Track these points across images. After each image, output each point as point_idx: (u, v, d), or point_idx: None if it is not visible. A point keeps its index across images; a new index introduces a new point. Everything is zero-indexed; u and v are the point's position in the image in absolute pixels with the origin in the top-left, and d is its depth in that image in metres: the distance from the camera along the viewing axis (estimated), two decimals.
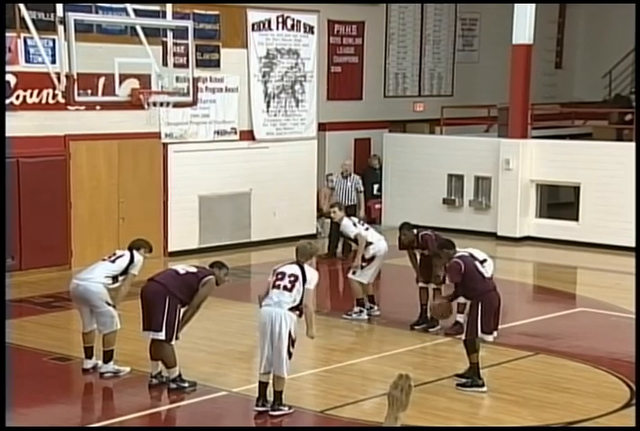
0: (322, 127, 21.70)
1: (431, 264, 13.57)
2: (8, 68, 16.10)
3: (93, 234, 17.63)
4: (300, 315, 10.16)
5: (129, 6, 15.14)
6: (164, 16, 15.17)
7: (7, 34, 15.88)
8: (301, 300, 10.10)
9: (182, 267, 11.21)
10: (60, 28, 13.06)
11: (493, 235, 21.08)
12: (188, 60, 14.93)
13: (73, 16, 12.96)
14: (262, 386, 10.20)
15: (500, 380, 11.47)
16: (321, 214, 20.53)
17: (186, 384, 10.87)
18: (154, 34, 15.39)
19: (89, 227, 17.62)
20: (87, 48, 14.45)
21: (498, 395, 10.94)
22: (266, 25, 20.00)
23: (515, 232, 21.08)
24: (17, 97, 16.41)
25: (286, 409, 10.19)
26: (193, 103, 15.72)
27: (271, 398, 10.18)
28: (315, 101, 21.15)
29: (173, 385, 10.86)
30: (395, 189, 22.53)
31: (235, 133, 19.78)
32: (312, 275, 10.24)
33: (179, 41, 14.96)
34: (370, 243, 14.14)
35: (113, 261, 11.45)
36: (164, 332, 10.63)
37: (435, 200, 22.03)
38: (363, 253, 14.13)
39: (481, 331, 10.99)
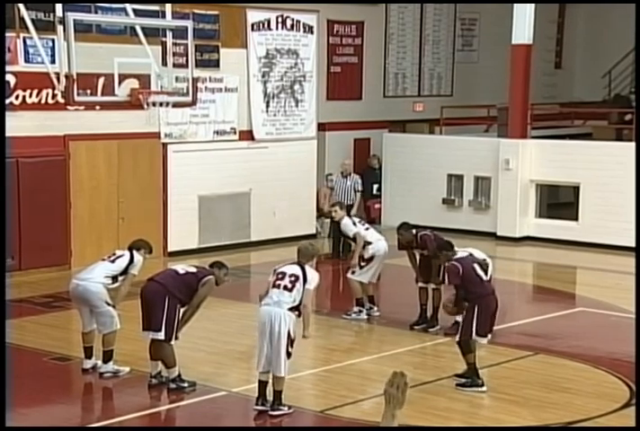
0: (321, 127, 21.70)
1: (431, 264, 13.57)
2: (8, 68, 16.10)
3: (93, 234, 17.63)
4: (299, 315, 10.17)
5: (129, 6, 15.14)
6: (164, 16, 15.17)
7: (7, 34, 15.87)
8: (301, 300, 10.10)
9: (181, 267, 11.20)
10: (60, 28, 13.07)
11: (492, 235, 21.08)
12: (187, 60, 14.93)
13: (72, 16, 12.97)
14: (262, 385, 10.20)
15: (499, 380, 11.47)
16: (321, 214, 20.53)
17: (186, 384, 10.87)
18: (153, 34, 15.40)
19: (89, 227, 17.62)
20: (87, 48, 14.46)
21: (498, 395, 10.93)
22: (265, 25, 20.00)
23: (515, 232, 21.08)
24: (17, 97, 16.41)
25: (285, 408, 10.19)
26: (193, 103, 15.73)
27: (270, 397, 10.19)
28: (314, 100, 21.15)
29: (172, 385, 10.86)
30: (395, 189, 22.53)
31: (235, 133, 19.78)
32: (312, 275, 10.24)
33: (178, 41, 14.96)
34: (369, 243, 14.13)
35: (113, 261, 11.45)
36: (163, 332, 10.63)
37: (435, 200, 22.03)
38: (362, 253, 14.12)
39: (475, 334, 10.99)
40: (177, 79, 15.07)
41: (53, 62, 14.80)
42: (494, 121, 23.03)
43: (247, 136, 20.03)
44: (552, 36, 27.44)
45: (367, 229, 14.36)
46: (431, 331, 13.50)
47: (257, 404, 10.22)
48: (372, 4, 22.96)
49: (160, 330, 10.63)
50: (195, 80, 15.55)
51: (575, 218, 20.68)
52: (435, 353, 12.68)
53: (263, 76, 20.15)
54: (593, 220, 20.25)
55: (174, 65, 14.98)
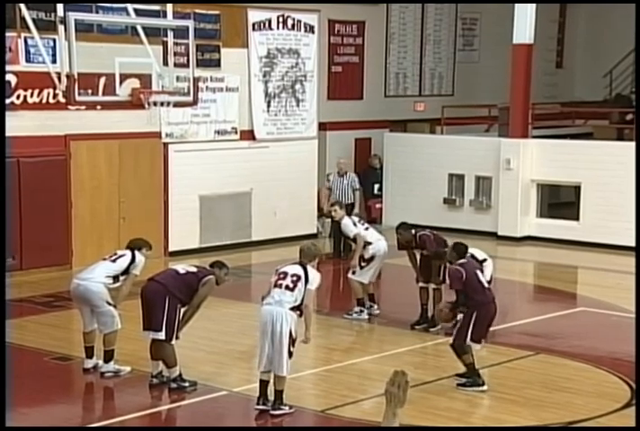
0: (322, 126, 21.70)
1: (431, 264, 13.58)
2: (9, 68, 16.11)
3: (94, 234, 17.63)
4: (301, 315, 10.18)
5: (130, 6, 15.13)
6: (165, 16, 15.17)
7: (8, 34, 15.89)
8: (302, 300, 10.11)
9: (182, 267, 11.20)
10: (61, 27, 13.05)
11: (493, 235, 21.08)
12: (188, 60, 14.91)
13: (73, 16, 12.95)
14: (263, 384, 10.21)
15: (500, 379, 11.47)
16: (321, 213, 20.53)
17: (187, 384, 10.87)
18: (154, 34, 15.39)
19: (90, 227, 17.62)
20: (88, 47, 14.45)
21: (498, 395, 10.93)
22: (266, 25, 20.00)
23: (516, 231, 21.08)
24: (18, 97, 16.42)
25: (286, 408, 10.19)
26: (194, 103, 15.72)
27: (271, 397, 10.19)
28: (315, 100, 21.15)
29: (173, 385, 10.86)
30: (396, 189, 22.53)
31: (236, 133, 19.78)
32: (314, 275, 10.25)
33: (179, 41, 14.95)
34: (369, 243, 14.13)
35: (114, 261, 11.44)
36: (163, 332, 10.63)
37: (436, 200, 22.02)
38: (362, 253, 14.13)
39: (470, 339, 10.99)
40: (178, 79, 15.06)
41: (54, 62, 14.80)
42: (495, 121, 23.03)
43: (248, 135, 20.03)
44: (553, 36, 27.44)
45: (366, 229, 14.36)
46: (431, 331, 13.50)
47: (258, 404, 10.22)
48: (373, 4, 22.95)
49: (160, 330, 10.63)
50: (196, 80, 15.54)
51: (576, 218, 20.68)
52: (436, 353, 12.68)
53: (264, 76, 20.15)
54: (594, 220, 20.25)
55: (175, 65, 14.97)
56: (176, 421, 10.73)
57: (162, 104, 14.40)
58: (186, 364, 11.12)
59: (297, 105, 20.81)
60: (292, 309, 10.06)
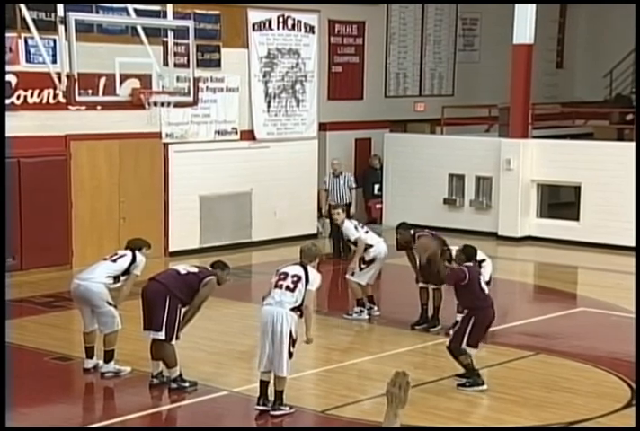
0: (322, 126, 21.71)
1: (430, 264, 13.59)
2: (9, 68, 16.12)
3: (94, 234, 17.64)
4: (301, 316, 10.18)
5: (130, 6, 15.12)
6: (165, 16, 15.16)
7: (8, 34, 15.90)
8: (303, 301, 10.11)
9: (183, 267, 11.20)
10: (61, 28, 13.04)
11: (493, 235, 21.08)
12: (189, 60, 14.91)
13: (73, 16, 12.95)
14: (263, 385, 10.21)
15: (500, 380, 11.47)
16: (321, 214, 20.52)
17: (187, 384, 10.88)
18: (154, 34, 15.38)
19: (90, 227, 17.63)
20: (88, 47, 14.46)
21: (498, 395, 10.94)
22: (267, 25, 20.00)
23: (516, 231, 21.08)
24: (18, 97, 16.42)
25: (287, 408, 10.19)
26: (194, 103, 15.71)
27: (271, 397, 10.19)
28: (315, 100, 21.15)
29: (173, 385, 10.86)
30: (396, 189, 22.53)
31: (236, 133, 19.79)
32: (314, 276, 10.25)
33: (180, 41, 14.94)
34: (371, 246, 14.17)
35: (115, 261, 11.44)
36: (164, 332, 10.64)
37: (436, 200, 22.02)
38: (363, 255, 14.16)
39: (466, 343, 11.00)
40: (178, 79, 15.06)
41: (54, 62, 14.79)
42: (495, 121, 23.03)
43: (248, 135, 20.04)
44: (553, 36, 27.45)
45: (366, 232, 14.40)
46: (432, 331, 13.50)
47: (258, 404, 10.22)
48: (373, 4, 22.95)
49: (160, 330, 10.64)
50: (196, 80, 15.53)
51: (576, 218, 20.68)
52: (436, 353, 12.67)
53: (264, 76, 20.15)
54: (594, 220, 20.25)
55: (176, 65, 14.97)
56: (176, 421, 10.73)
57: (162, 104, 14.39)
58: (186, 364, 11.13)
59: (298, 105, 20.81)
60: (292, 309, 10.07)
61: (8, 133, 15.85)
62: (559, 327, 14.06)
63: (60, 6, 13.13)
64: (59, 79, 13.43)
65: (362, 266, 14.16)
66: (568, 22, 27.88)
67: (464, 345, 10.99)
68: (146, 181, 18.38)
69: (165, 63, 15.11)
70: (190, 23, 14.93)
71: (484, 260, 12.92)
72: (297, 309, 10.11)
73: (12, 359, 11.14)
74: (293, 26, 20.47)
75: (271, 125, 20.39)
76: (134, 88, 14.68)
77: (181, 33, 14.75)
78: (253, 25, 19.80)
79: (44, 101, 16.71)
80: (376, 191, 22.81)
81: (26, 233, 16.72)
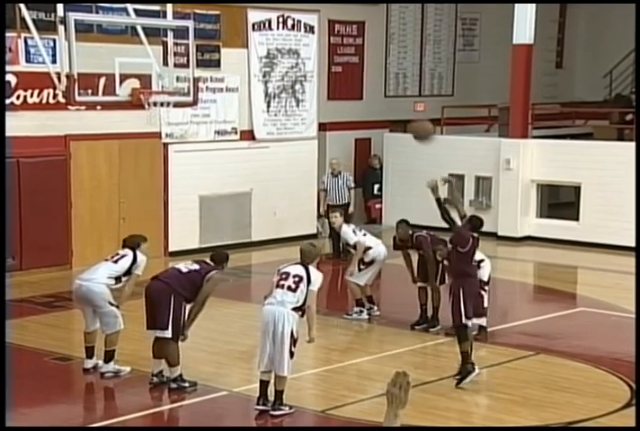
0: (322, 126, 21.70)
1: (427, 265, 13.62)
2: (9, 68, 16.11)
3: (94, 234, 17.63)
4: (302, 315, 10.17)
5: (130, 6, 15.13)
6: (165, 16, 15.16)
7: (8, 34, 15.89)
8: (304, 301, 10.11)
9: (183, 264, 11.16)
10: (61, 28, 13.05)
11: (493, 235, 21.05)
12: (188, 60, 14.92)
13: (73, 16, 12.95)
14: (263, 385, 10.21)
15: (500, 380, 11.48)
16: (320, 214, 20.51)
17: (187, 384, 10.88)
18: (154, 34, 15.39)
19: (90, 227, 17.63)
20: (88, 47, 14.44)
21: (498, 395, 10.94)
22: (266, 25, 20.00)
23: (516, 231, 21.08)
24: (18, 97, 16.42)
25: (287, 408, 10.19)
26: (194, 103, 15.72)
27: (271, 397, 10.19)
28: (315, 100, 21.15)
29: (173, 385, 10.87)
30: (396, 189, 22.53)
31: (236, 133, 19.79)
32: (316, 276, 10.24)
33: (179, 41, 14.95)
34: (370, 248, 14.19)
35: (116, 262, 11.44)
36: (170, 330, 10.65)
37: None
38: (363, 257, 14.18)
39: (465, 317, 11.06)
40: (178, 79, 15.07)
41: (54, 62, 14.79)
42: (495, 121, 23.03)
43: (248, 135, 20.03)
44: (553, 36, 27.44)
45: (364, 235, 14.42)
46: (431, 331, 13.51)
47: (258, 404, 10.22)
48: (373, 4, 22.95)
49: (167, 329, 10.65)
50: (196, 80, 15.54)
51: (576, 218, 20.68)
52: (436, 353, 12.69)
53: (264, 76, 20.15)
54: (594, 220, 20.25)
55: (175, 65, 14.97)
56: (176, 421, 10.73)
57: (162, 104, 14.40)
58: (186, 364, 11.12)
59: (297, 105, 20.81)
60: (294, 309, 10.07)
61: (8, 133, 15.85)
62: (559, 327, 14.06)
63: (60, 6, 13.14)
64: (59, 79, 13.44)
65: (361, 267, 14.18)
66: (568, 22, 27.88)
67: (464, 319, 11.06)
68: (146, 181, 18.38)
69: (165, 63, 15.11)
70: (189, 23, 14.94)
71: (482, 260, 12.94)
72: (299, 309, 10.11)
73: (12, 359, 11.14)
74: (293, 26, 20.47)
75: (270, 125, 20.39)
76: (134, 88, 14.68)
77: (180, 33, 14.75)
78: (253, 25, 19.80)
79: (44, 101, 16.71)
80: (375, 191, 22.80)
81: (26, 233, 16.71)
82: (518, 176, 20.92)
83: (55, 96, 16.47)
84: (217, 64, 19.20)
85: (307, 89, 20.92)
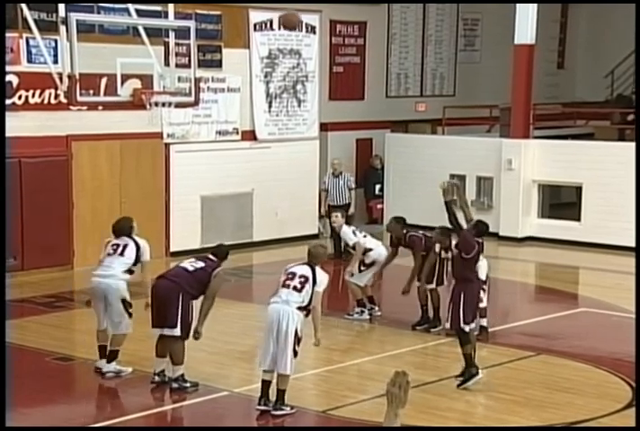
0: (324, 127, 21.70)
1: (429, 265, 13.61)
2: (10, 68, 16.12)
3: (96, 234, 17.55)
4: (307, 315, 10.18)
5: (131, 6, 15.13)
6: (166, 16, 15.16)
7: (9, 34, 15.91)
8: (309, 301, 10.11)
9: (188, 263, 11.13)
10: (62, 28, 13.06)
11: (494, 235, 21.02)
12: (190, 60, 14.92)
13: (75, 16, 12.97)
14: (265, 385, 10.21)
15: (501, 380, 11.47)
16: (321, 214, 20.52)
17: (188, 384, 10.88)
18: (156, 34, 15.40)
19: (91, 227, 17.61)
20: (89, 48, 14.46)
21: (500, 395, 10.94)
22: (268, 25, 20.00)
23: (517, 232, 21.08)
24: (19, 97, 16.43)
25: (288, 409, 10.19)
26: (195, 103, 15.72)
27: (273, 397, 10.19)
28: (316, 101, 21.16)
29: (174, 385, 10.87)
30: (397, 190, 22.52)
31: (237, 133, 19.79)
32: (322, 277, 10.25)
33: (181, 41, 14.96)
34: (370, 249, 14.20)
35: (122, 254, 11.42)
36: (179, 328, 10.67)
37: (437, 201, 21.86)
38: (363, 258, 14.20)
39: (463, 322, 11.04)
40: (179, 79, 15.07)
41: (56, 62, 14.79)
42: (497, 121, 23.03)
43: (250, 136, 20.04)
44: (554, 36, 27.44)
45: (365, 236, 14.43)
46: (432, 332, 13.50)
47: (259, 404, 10.22)
48: (375, 4, 22.96)
49: (176, 327, 10.66)
50: (197, 80, 15.54)
51: (577, 218, 20.68)
52: (437, 353, 12.69)
53: (266, 76, 20.16)
54: (595, 220, 20.24)
55: (177, 66, 14.98)
56: (177, 421, 10.73)
57: (163, 105, 14.40)
58: (187, 364, 11.11)
59: (299, 105, 20.82)
60: (299, 309, 10.08)
61: (9, 133, 15.87)
62: (560, 327, 14.06)
63: (62, 6, 13.15)
64: (61, 79, 13.44)
65: (362, 268, 14.22)
66: (569, 23, 27.88)
67: (462, 324, 11.03)
68: (148, 182, 18.39)
69: (167, 63, 15.12)
70: (191, 24, 14.95)
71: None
72: (304, 309, 10.12)
73: (12, 359, 11.15)
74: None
75: (272, 125, 20.39)
76: (135, 88, 14.68)
77: (182, 33, 14.76)
78: (255, 25, 19.81)
79: (45, 102, 16.72)
80: (377, 192, 22.80)
81: (27, 234, 16.72)
82: (519, 176, 20.92)
83: (56, 96, 16.46)
84: (218, 64, 19.21)
85: (309, 89, 20.93)
